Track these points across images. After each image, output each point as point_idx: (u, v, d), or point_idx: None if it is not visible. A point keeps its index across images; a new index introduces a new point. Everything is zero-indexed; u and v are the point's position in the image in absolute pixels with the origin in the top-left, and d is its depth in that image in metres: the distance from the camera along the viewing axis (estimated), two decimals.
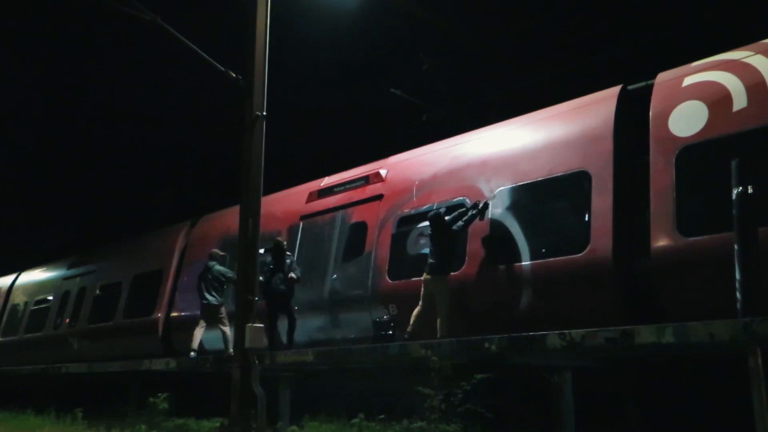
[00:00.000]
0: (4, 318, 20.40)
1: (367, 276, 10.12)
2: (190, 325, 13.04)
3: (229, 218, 12.92)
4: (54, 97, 27.20)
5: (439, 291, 8.67)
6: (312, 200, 11.86)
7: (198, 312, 11.60)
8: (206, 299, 11.32)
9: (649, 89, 8.11)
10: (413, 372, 7.96)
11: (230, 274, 11.24)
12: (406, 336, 8.76)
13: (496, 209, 8.89)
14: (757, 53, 7.33)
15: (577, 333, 6.83)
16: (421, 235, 9.59)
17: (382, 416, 8.36)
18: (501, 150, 9.39)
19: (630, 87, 8.54)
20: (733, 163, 6.31)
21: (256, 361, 9.05)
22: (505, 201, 8.86)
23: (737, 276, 6.00)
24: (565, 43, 17.67)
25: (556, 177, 8.45)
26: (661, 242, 7.23)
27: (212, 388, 12.15)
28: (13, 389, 17.92)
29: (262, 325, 9.26)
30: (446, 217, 8.87)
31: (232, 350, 10.36)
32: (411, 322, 8.78)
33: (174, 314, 13.74)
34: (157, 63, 20.91)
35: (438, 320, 8.63)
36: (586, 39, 17.02)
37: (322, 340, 10.55)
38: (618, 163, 7.98)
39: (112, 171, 28.86)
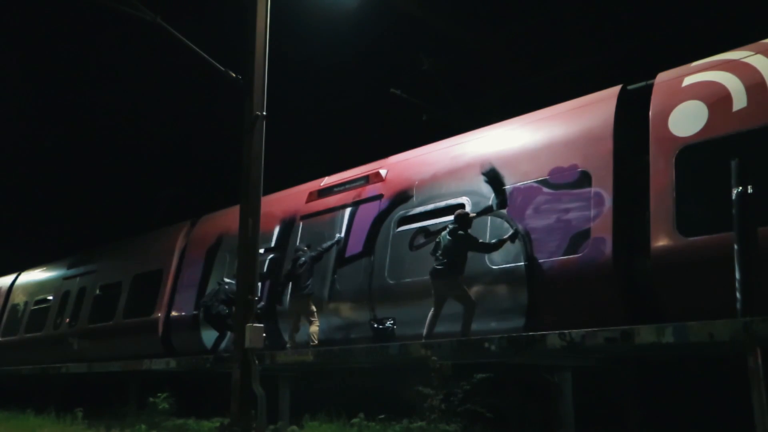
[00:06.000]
0: (4, 318, 20.37)
1: (367, 276, 10.12)
2: (190, 324, 13.08)
3: (229, 218, 12.92)
4: (54, 96, 27.25)
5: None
6: (312, 200, 11.86)
7: (196, 311, 11.52)
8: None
9: (648, 89, 8.10)
10: (413, 372, 7.95)
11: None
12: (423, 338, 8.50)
13: (497, 209, 8.89)
14: (757, 53, 7.32)
15: (577, 333, 6.83)
16: (421, 234, 9.59)
17: (382, 416, 8.36)
18: (501, 150, 9.39)
19: (630, 87, 8.53)
20: (733, 163, 6.30)
21: (256, 361, 9.04)
22: (505, 201, 8.86)
23: (737, 276, 6.00)
24: (565, 43, 17.66)
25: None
26: (660, 242, 7.22)
27: (212, 388, 12.15)
28: (13, 389, 17.91)
29: (261, 325, 9.25)
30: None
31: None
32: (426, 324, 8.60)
33: (174, 314, 13.73)
34: (157, 63, 20.93)
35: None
36: (586, 39, 17.01)
37: (322, 340, 10.54)
38: (618, 163, 7.98)
39: (112, 171, 28.88)
